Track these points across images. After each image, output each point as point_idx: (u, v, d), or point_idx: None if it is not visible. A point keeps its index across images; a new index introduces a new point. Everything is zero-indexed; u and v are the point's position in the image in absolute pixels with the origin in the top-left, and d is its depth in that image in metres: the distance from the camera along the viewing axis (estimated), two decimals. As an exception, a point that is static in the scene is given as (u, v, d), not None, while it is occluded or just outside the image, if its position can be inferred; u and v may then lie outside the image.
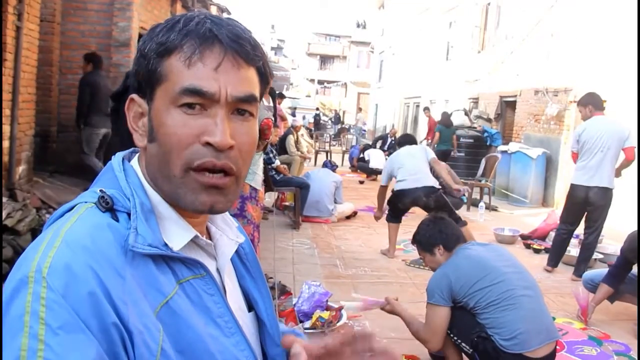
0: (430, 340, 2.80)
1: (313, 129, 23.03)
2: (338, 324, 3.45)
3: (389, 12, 25.76)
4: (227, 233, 0.87)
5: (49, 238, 0.66)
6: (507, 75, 11.91)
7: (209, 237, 0.86)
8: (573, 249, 5.63)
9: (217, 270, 0.83)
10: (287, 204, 7.70)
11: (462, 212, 8.07)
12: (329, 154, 14.77)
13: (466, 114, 12.48)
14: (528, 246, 6.35)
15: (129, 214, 0.72)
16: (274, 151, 7.07)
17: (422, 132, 16.40)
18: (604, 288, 3.94)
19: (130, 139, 0.78)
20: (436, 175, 5.73)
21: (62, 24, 7.10)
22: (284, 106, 15.76)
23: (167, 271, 0.72)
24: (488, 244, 3.23)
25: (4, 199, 4.60)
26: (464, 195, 8.15)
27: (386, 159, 13.61)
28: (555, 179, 9.61)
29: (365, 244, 6.15)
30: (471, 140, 11.54)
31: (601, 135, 4.99)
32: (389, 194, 5.72)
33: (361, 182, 11.62)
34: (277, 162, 7.07)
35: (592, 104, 5.14)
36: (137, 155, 0.82)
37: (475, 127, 11.97)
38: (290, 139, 9.17)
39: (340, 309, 3.60)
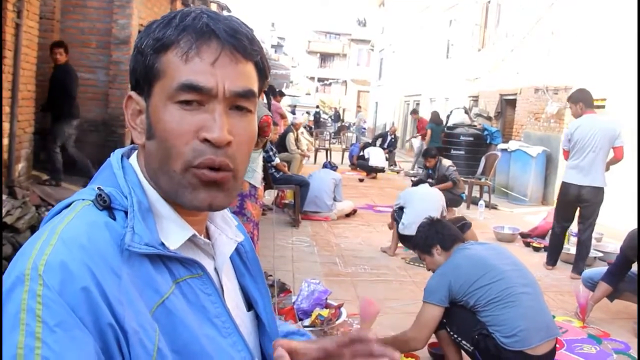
0: (416, 338, 2.80)
1: (313, 126, 23.02)
2: (337, 322, 3.45)
3: (390, 10, 25.73)
4: (227, 232, 0.86)
5: (46, 236, 0.65)
6: (507, 73, 11.90)
7: (208, 236, 0.85)
8: (573, 247, 5.63)
9: (215, 269, 0.82)
10: (286, 201, 7.70)
11: (461, 211, 8.08)
12: (328, 152, 14.77)
13: (466, 112, 12.48)
14: (528, 244, 6.35)
15: (126, 213, 0.71)
16: (274, 149, 7.07)
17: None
18: (603, 286, 3.94)
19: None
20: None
21: (61, 22, 7.09)
22: (284, 104, 15.76)
23: (163, 270, 0.72)
24: (486, 242, 3.25)
25: (4, 197, 4.60)
26: (463, 192, 8.18)
27: (386, 157, 13.68)
28: (555, 177, 9.60)
29: (365, 242, 6.15)
30: (471, 139, 11.54)
31: (594, 135, 5.00)
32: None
33: (361, 180, 11.61)
34: (277, 160, 7.07)
35: (582, 101, 5.15)
36: (136, 152, 0.81)
37: (475, 126, 11.97)
38: (291, 137, 9.16)
39: (339, 306, 3.60)
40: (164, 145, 0.72)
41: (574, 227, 5.62)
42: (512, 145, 10.06)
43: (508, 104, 12.28)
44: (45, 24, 6.53)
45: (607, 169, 5.20)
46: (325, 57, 47.00)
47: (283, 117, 9.82)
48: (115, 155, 0.79)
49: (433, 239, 3.01)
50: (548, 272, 5.31)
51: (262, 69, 0.78)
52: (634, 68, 7.42)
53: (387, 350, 0.73)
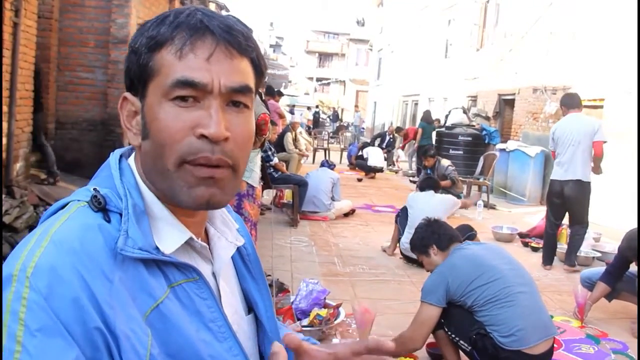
0: (413, 338, 2.81)
1: (312, 126, 23.01)
2: (336, 322, 3.45)
3: (388, 9, 25.73)
4: (226, 235, 0.85)
5: (37, 237, 0.65)
6: (506, 73, 11.91)
7: (207, 238, 0.84)
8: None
9: (213, 273, 0.81)
10: (285, 201, 7.70)
11: (460, 211, 8.09)
12: (327, 152, 14.77)
13: (465, 112, 12.49)
14: (526, 244, 6.35)
15: (121, 215, 0.70)
16: (272, 149, 7.07)
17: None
18: (601, 286, 3.94)
19: None
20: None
21: (59, 21, 7.08)
22: (282, 104, 15.75)
23: (158, 274, 0.71)
24: (483, 242, 3.25)
25: (2, 196, 4.59)
26: (461, 192, 8.20)
27: (385, 156, 13.69)
28: (553, 177, 9.61)
29: (363, 241, 6.15)
30: (469, 139, 11.55)
31: (571, 131, 5.16)
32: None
33: (359, 180, 11.61)
34: (275, 160, 7.07)
35: (565, 104, 5.37)
36: (134, 152, 0.80)
37: (474, 125, 11.98)
38: (288, 137, 9.16)
39: (338, 306, 3.60)
40: (159, 144, 0.71)
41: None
42: (510, 145, 10.07)
43: (506, 103, 12.29)
44: (44, 23, 6.53)
45: (597, 171, 5.29)
46: (323, 57, 46.97)
47: (282, 116, 9.80)
48: (114, 156, 0.78)
49: (429, 239, 3.03)
50: (546, 272, 5.31)
51: (258, 66, 0.77)
52: (633, 68, 7.43)
53: None
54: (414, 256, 5.01)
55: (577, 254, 5.44)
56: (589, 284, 4.09)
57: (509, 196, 9.84)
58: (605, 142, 5.16)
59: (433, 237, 3.02)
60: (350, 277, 4.79)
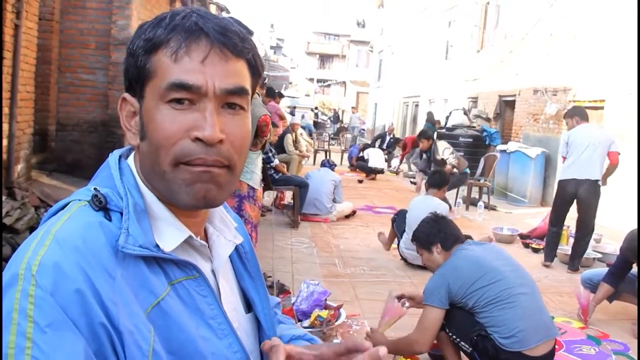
0: (419, 341, 2.80)
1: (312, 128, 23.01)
2: (337, 323, 3.45)
3: (389, 11, 25.74)
4: (225, 234, 0.86)
5: (40, 236, 0.66)
6: (506, 74, 11.91)
7: (206, 237, 0.85)
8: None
9: (213, 271, 0.82)
10: (285, 202, 7.70)
11: (461, 212, 8.09)
12: (328, 153, 14.76)
13: (465, 113, 12.49)
14: (527, 245, 6.35)
15: (122, 214, 0.71)
16: (273, 150, 7.07)
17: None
18: (604, 287, 3.94)
19: None
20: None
21: (60, 22, 7.09)
22: (283, 105, 15.76)
23: (158, 272, 0.72)
24: (485, 243, 3.24)
25: (3, 198, 4.59)
26: (466, 168, 8.23)
27: (385, 158, 13.67)
28: (554, 178, 9.59)
29: (364, 242, 6.15)
30: (470, 140, 11.54)
31: (589, 135, 5.27)
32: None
33: (360, 182, 11.61)
34: (276, 161, 7.07)
35: (578, 115, 5.46)
36: (133, 153, 0.81)
37: (474, 127, 11.99)
38: (288, 138, 9.17)
39: (339, 307, 3.60)
40: (155, 145, 0.72)
41: (573, 228, 5.65)
42: (511, 146, 10.07)
43: (507, 105, 12.29)
44: (45, 25, 6.53)
45: (605, 182, 5.40)
46: (324, 59, 46.98)
47: (282, 118, 9.82)
48: (113, 156, 0.79)
49: (435, 236, 2.99)
50: (547, 273, 5.31)
51: (255, 67, 0.78)
52: (633, 69, 7.43)
53: None
54: (414, 262, 5.03)
55: (578, 255, 5.45)
56: (590, 285, 4.09)
57: (509, 197, 9.84)
58: (619, 153, 5.32)
59: (439, 236, 2.98)
60: (351, 279, 4.79)
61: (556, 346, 2.85)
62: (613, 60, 8.13)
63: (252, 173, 3.91)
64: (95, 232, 0.67)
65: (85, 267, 0.63)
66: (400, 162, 14.18)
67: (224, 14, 13.23)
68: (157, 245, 0.72)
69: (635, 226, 4.05)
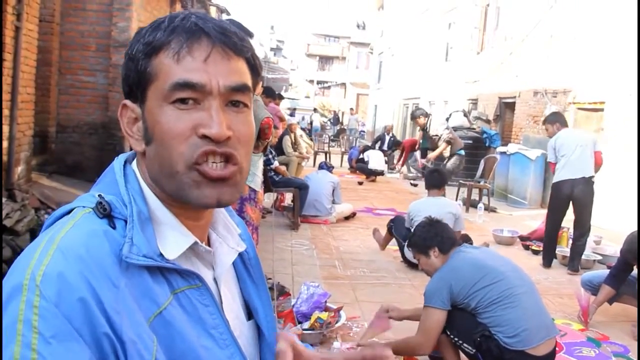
0: (422, 344, 2.80)
1: (311, 129, 23.00)
2: (337, 325, 3.45)
3: (389, 13, 25.75)
4: (228, 241, 0.85)
5: (44, 244, 0.65)
6: (506, 76, 11.92)
7: (209, 244, 0.84)
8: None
9: (215, 279, 0.82)
10: (285, 204, 7.70)
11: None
12: (327, 155, 14.75)
13: (465, 115, 12.49)
14: (527, 247, 6.35)
15: (126, 221, 0.71)
16: (273, 152, 7.07)
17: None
18: (605, 289, 3.94)
19: None
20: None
21: (61, 25, 7.10)
22: (283, 107, 15.76)
23: (161, 281, 0.71)
24: (480, 247, 3.26)
25: (3, 199, 4.59)
26: (461, 149, 8.36)
27: (385, 159, 13.65)
28: (554, 180, 9.61)
29: (364, 244, 6.15)
30: (470, 142, 11.51)
31: (576, 136, 5.51)
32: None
33: (360, 183, 11.61)
34: (276, 163, 7.07)
35: (559, 121, 5.61)
36: (137, 157, 0.80)
37: (474, 128, 11.98)
38: (287, 140, 9.17)
39: (339, 309, 3.60)
40: (164, 147, 0.72)
41: (572, 229, 5.66)
42: (511, 148, 10.07)
43: (507, 106, 12.29)
44: (45, 27, 6.54)
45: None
46: (324, 60, 47.02)
47: (282, 119, 9.81)
48: (118, 161, 0.79)
49: (432, 240, 2.98)
50: (547, 275, 5.31)
51: (254, 66, 0.78)
52: (633, 71, 7.43)
53: None
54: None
55: (578, 257, 5.47)
56: (591, 287, 4.09)
57: (509, 199, 9.84)
58: (602, 152, 5.50)
59: (436, 239, 2.98)
60: (351, 280, 4.79)
61: (557, 348, 2.85)
62: (613, 62, 8.13)
63: (254, 175, 3.91)
64: (99, 240, 0.67)
65: (89, 277, 0.63)
66: (402, 165, 14.13)
67: (224, 16, 13.26)
68: (161, 254, 0.71)
69: (636, 228, 4.06)
